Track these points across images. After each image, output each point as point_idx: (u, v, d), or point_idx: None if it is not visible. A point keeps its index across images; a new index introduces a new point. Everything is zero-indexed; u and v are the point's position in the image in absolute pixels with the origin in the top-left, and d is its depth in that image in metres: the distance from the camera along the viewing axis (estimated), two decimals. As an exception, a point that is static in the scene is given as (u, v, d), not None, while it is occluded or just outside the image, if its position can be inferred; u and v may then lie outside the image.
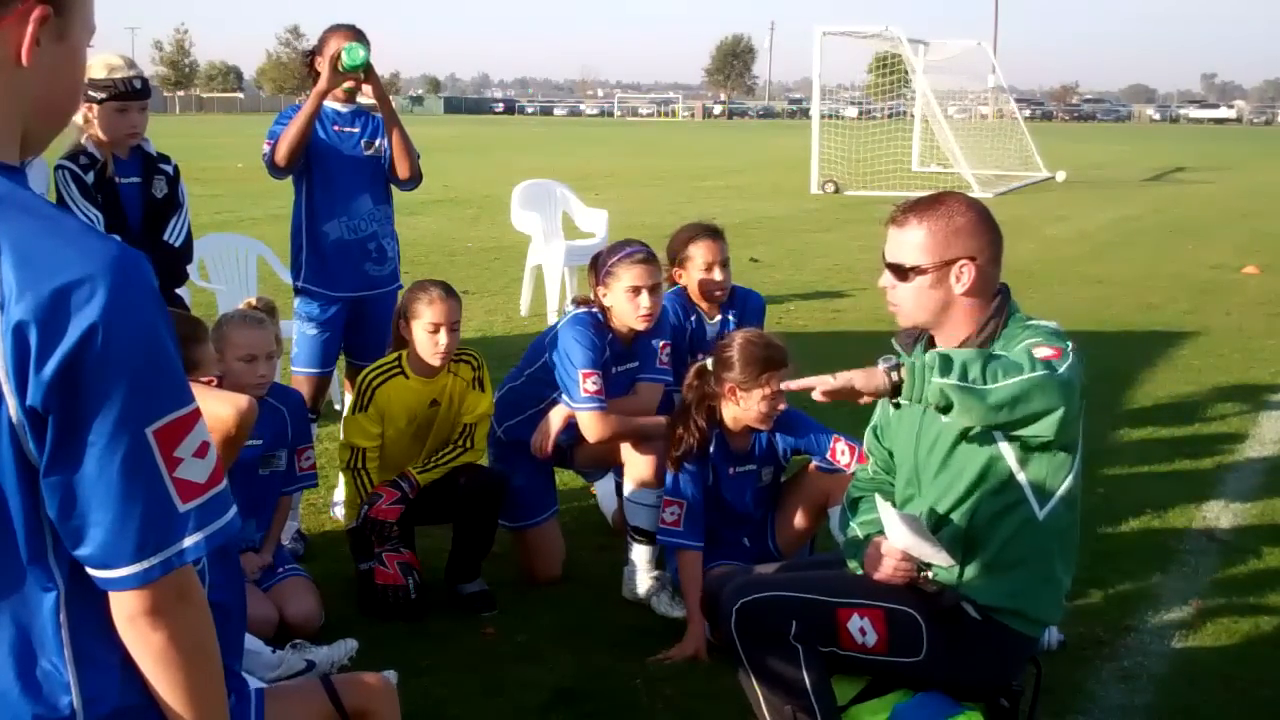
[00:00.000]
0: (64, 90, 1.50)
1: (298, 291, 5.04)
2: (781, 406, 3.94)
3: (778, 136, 50.95)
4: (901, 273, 2.83)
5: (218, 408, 2.91)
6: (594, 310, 4.37)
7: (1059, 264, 13.04)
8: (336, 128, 4.90)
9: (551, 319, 8.44)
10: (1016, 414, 2.52)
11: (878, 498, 2.95)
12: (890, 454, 3.08)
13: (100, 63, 4.35)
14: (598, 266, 4.41)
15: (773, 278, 11.63)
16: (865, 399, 2.61)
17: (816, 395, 2.62)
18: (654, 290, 4.31)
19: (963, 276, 2.78)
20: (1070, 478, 2.82)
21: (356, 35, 4.81)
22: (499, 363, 5.20)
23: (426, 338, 4.21)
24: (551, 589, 4.42)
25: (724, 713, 3.43)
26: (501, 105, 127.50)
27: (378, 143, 4.96)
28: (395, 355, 4.33)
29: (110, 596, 1.43)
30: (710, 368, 3.96)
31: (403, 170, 4.97)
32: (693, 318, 4.73)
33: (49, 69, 1.44)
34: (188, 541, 1.42)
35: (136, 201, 4.56)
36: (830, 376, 2.61)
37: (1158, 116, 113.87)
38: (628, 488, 4.34)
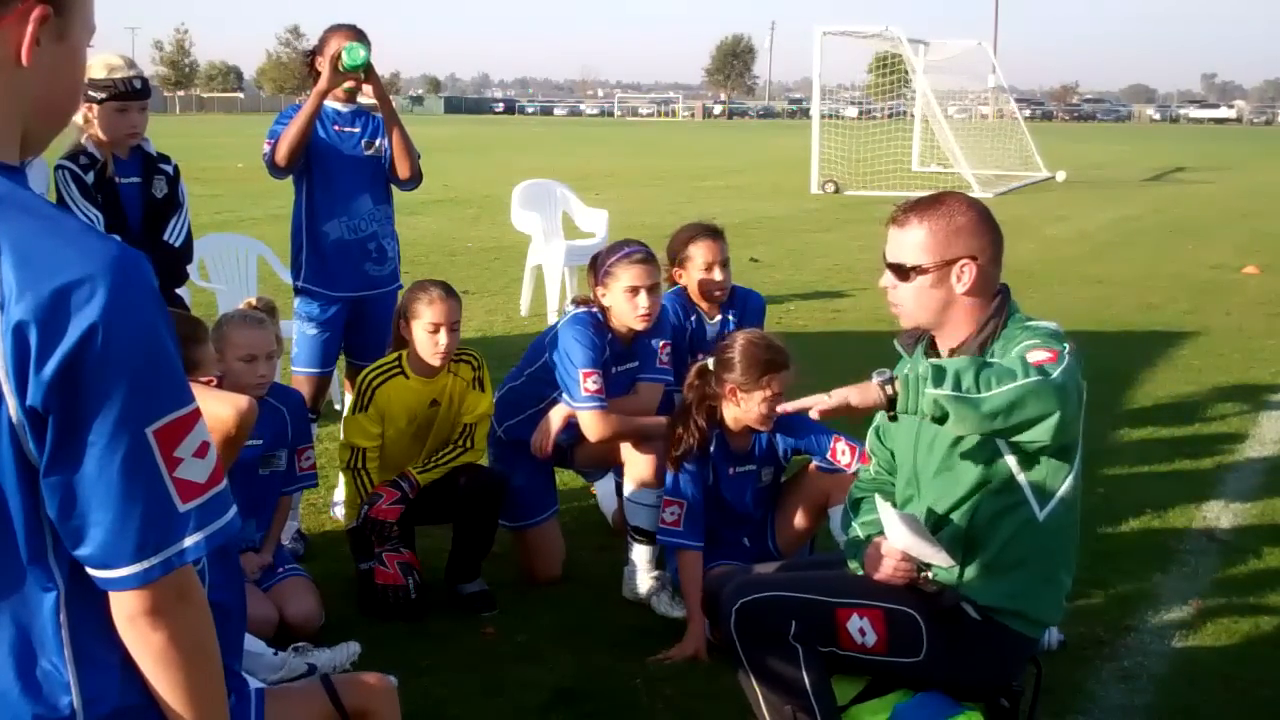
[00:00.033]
0: (64, 90, 1.50)
1: (298, 291, 5.04)
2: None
3: (778, 136, 50.94)
4: (902, 273, 2.83)
5: (218, 408, 2.91)
6: (594, 310, 4.37)
7: (1059, 264, 13.03)
8: (337, 127, 4.90)
9: (551, 319, 8.44)
10: (1012, 421, 2.52)
11: (877, 498, 2.95)
12: (892, 454, 3.08)
13: (100, 63, 4.35)
14: (597, 266, 4.41)
15: (773, 278, 11.62)
16: (861, 414, 2.62)
17: (813, 415, 2.65)
18: (652, 290, 4.31)
19: (964, 276, 2.78)
20: (1070, 478, 2.82)
21: (357, 35, 4.81)
22: (499, 363, 5.19)
23: (426, 338, 4.21)
24: (551, 589, 4.42)
25: (724, 713, 3.43)
26: (501, 105, 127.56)
27: (378, 143, 4.96)
28: (395, 355, 4.33)
29: (110, 596, 1.43)
30: (711, 368, 3.96)
31: (403, 170, 4.97)
32: (693, 318, 4.73)
33: (49, 69, 1.44)
34: (188, 541, 1.42)
35: (136, 201, 4.56)
36: (825, 395, 2.64)
37: (1158, 116, 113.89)
38: (628, 488, 4.34)
